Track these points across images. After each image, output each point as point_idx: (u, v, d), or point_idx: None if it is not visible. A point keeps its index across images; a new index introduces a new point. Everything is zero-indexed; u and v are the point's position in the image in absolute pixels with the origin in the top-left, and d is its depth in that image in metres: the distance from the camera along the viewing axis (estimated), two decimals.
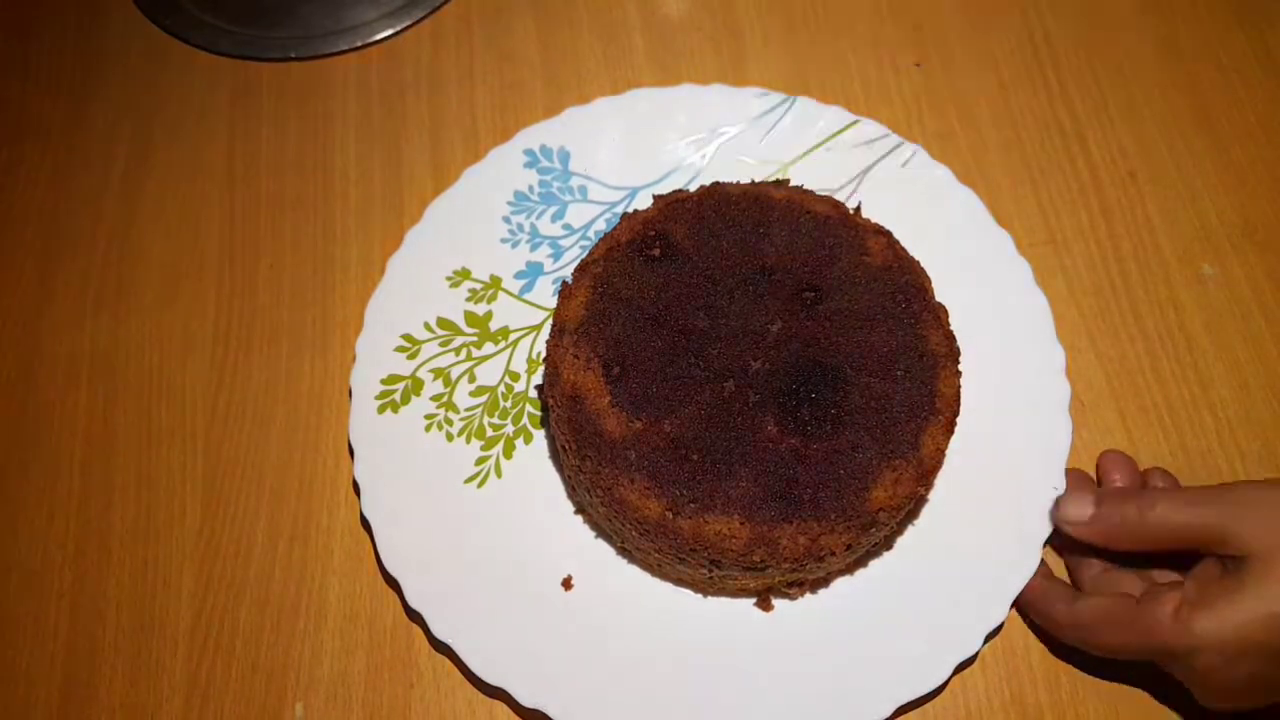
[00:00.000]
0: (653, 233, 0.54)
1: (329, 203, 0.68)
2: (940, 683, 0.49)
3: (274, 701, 0.54)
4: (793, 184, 0.58)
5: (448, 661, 0.54)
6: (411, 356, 0.59)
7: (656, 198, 0.56)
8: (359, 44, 0.74)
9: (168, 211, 0.69)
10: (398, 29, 0.75)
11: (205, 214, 0.68)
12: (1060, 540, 0.52)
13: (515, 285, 0.62)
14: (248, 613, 0.56)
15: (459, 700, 0.53)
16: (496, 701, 0.53)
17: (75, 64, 0.75)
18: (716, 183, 0.57)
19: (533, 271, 0.63)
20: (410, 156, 0.70)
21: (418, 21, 0.75)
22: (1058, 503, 0.51)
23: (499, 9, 0.75)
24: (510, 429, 0.58)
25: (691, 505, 0.47)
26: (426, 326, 0.60)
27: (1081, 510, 0.50)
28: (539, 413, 0.59)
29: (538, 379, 0.60)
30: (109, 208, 0.69)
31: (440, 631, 0.51)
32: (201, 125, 0.72)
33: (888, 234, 0.55)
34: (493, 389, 0.59)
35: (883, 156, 0.63)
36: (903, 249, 0.54)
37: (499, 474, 0.57)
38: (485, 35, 0.74)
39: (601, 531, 0.55)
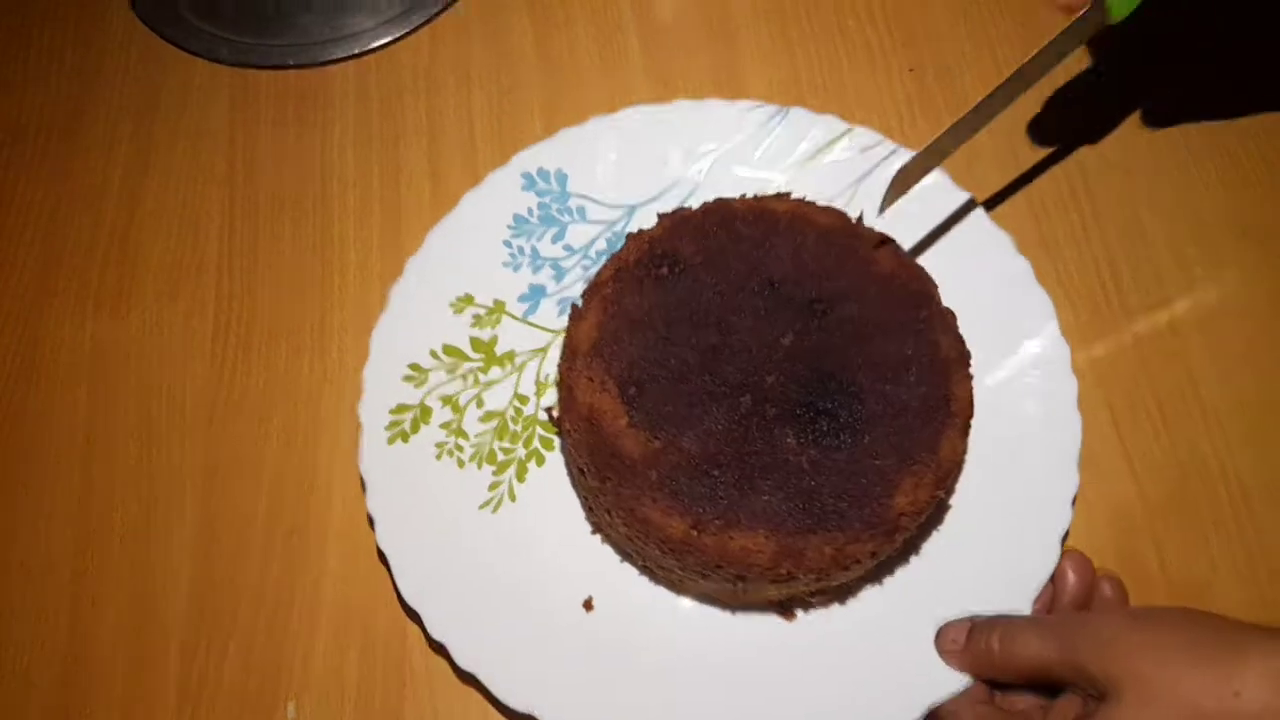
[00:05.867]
0: (660, 251, 0.54)
1: (327, 207, 0.69)
2: (967, 683, 0.49)
3: (267, 700, 0.54)
4: (793, 196, 0.58)
5: (441, 660, 0.54)
6: (419, 385, 0.59)
7: (661, 216, 0.56)
8: (357, 51, 0.74)
9: (167, 212, 0.69)
10: (395, 36, 0.75)
11: (204, 217, 0.69)
12: None
13: (519, 308, 0.62)
14: (242, 611, 0.56)
15: (452, 699, 0.54)
16: (487, 698, 0.52)
17: (74, 72, 0.75)
18: (720, 198, 0.57)
19: (536, 294, 0.62)
20: (408, 162, 0.70)
21: (415, 29, 0.75)
22: (940, 632, 0.51)
23: (495, 17, 0.76)
24: (522, 452, 0.58)
25: (716, 522, 0.47)
26: (432, 354, 0.60)
27: (955, 639, 0.50)
28: (549, 435, 0.59)
29: (546, 401, 0.59)
30: (109, 209, 0.69)
31: (465, 662, 0.51)
32: (200, 132, 0.72)
33: (891, 242, 0.55)
34: (501, 413, 0.59)
35: (878, 164, 0.64)
36: (906, 256, 0.55)
37: (513, 498, 0.57)
38: (482, 43, 0.75)
39: (621, 551, 0.55)
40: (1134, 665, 0.42)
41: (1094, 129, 0.69)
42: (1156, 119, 0.69)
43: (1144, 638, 0.43)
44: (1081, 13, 0.50)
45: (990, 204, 0.66)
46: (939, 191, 0.62)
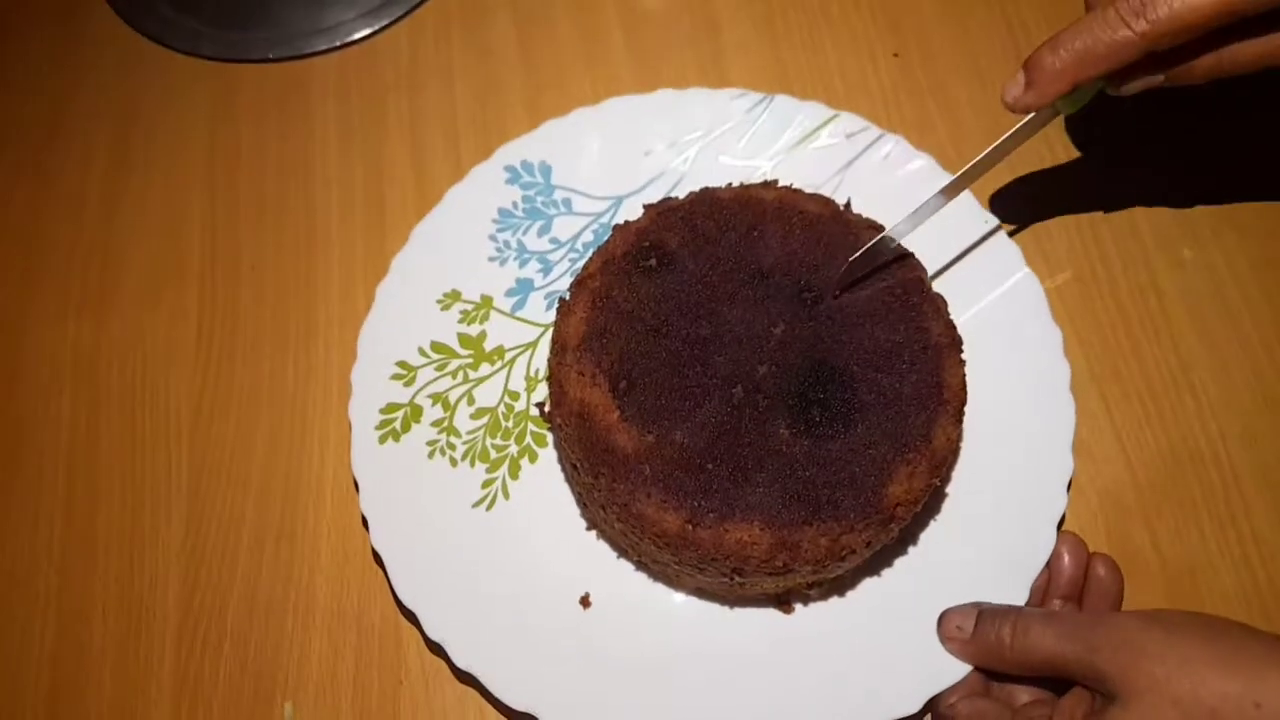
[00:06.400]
0: (647, 243, 0.54)
1: (310, 202, 0.68)
2: (967, 673, 0.49)
3: (263, 701, 0.54)
4: (779, 184, 0.58)
5: (437, 658, 0.54)
6: (408, 383, 0.58)
7: (647, 207, 0.56)
8: (338, 44, 0.74)
9: (149, 214, 0.69)
10: (376, 28, 0.74)
11: (186, 216, 0.68)
12: None
13: (507, 303, 0.61)
14: (235, 613, 0.56)
15: (448, 696, 0.54)
16: (485, 697, 0.52)
17: (52, 69, 0.75)
18: (706, 188, 0.57)
19: (523, 288, 0.62)
20: (391, 155, 0.69)
21: (396, 20, 0.75)
22: (943, 617, 0.50)
23: (477, 7, 0.75)
24: (514, 449, 0.58)
25: (711, 515, 0.47)
26: (421, 352, 0.59)
27: (960, 626, 0.49)
28: (541, 431, 0.58)
29: (537, 396, 0.59)
30: (90, 210, 0.69)
31: (463, 661, 0.50)
32: (181, 128, 0.72)
33: (880, 229, 0.55)
34: (493, 409, 0.59)
35: (864, 149, 0.64)
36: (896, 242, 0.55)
37: (506, 496, 0.56)
38: (464, 33, 0.74)
39: (616, 546, 0.55)
40: (1152, 669, 0.41)
41: (1080, 116, 0.68)
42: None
43: (1165, 642, 0.42)
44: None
45: (978, 189, 0.65)
46: (927, 176, 0.62)
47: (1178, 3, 0.42)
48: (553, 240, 0.63)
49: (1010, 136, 0.51)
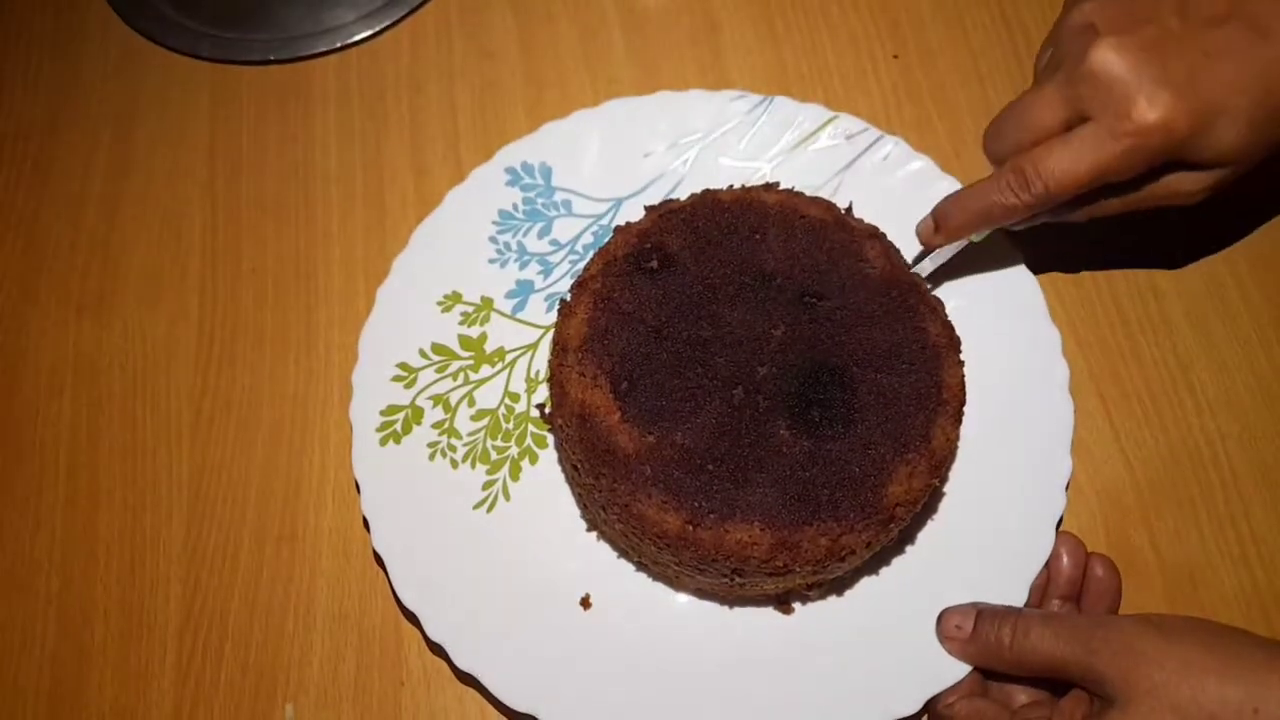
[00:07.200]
0: (648, 245, 0.54)
1: (310, 204, 0.68)
2: (967, 672, 0.50)
3: (264, 702, 0.54)
4: (781, 186, 0.58)
5: (438, 659, 0.54)
6: (409, 385, 0.58)
7: (648, 209, 0.56)
8: (338, 45, 0.74)
9: (149, 215, 0.69)
10: (377, 30, 0.74)
11: (186, 217, 0.68)
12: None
13: (507, 305, 0.61)
14: (236, 615, 0.56)
15: (449, 697, 0.54)
16: (486, 698, 0.53)
17: (52, 70, 0.75)
18: (707, 190, 0.57)
19: (523, 290, 0.62)
20: (391, 156, 0.70)
21: (396, 22, 0.75)
22: (942, 616, 0.50)
23: (477, 8, 0.75)
24: (515, 450, 0.58)
25: (711, 516, 0.47)
26: (421, 353, 0.59)
27: (960, 625, 0.49)
28: (542, 432, 0.58)
29: (538, 398, 0.59)
30: (90, 212, 0.69)
31: (464, 662, 0.50)
32: (181, 129, 0.72)
33: (881, 234, 0.55)
34: (493, 411, 0.59)
35: (864, 151, 0.64)
36: (895, 247, 0.55)
37: (507, 497, 0.56)
38: (464, 35, 0.74)
39: (617, 547, 0.55)
40: (1152, 673, 0.41)
41: None
42: None
43: (1165, 647, 0.42)
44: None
45: None
46: (928, 180, 0.62)
47: (1054, 180, 0.49)
48: (553, 242, 0.63)
49: (932, 258, 0.58)
